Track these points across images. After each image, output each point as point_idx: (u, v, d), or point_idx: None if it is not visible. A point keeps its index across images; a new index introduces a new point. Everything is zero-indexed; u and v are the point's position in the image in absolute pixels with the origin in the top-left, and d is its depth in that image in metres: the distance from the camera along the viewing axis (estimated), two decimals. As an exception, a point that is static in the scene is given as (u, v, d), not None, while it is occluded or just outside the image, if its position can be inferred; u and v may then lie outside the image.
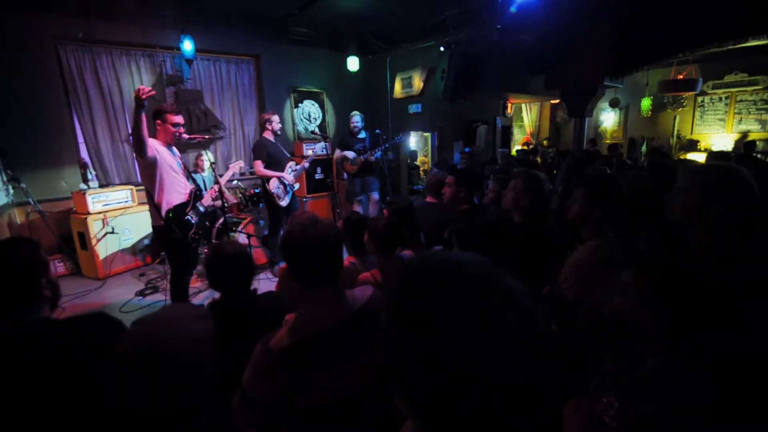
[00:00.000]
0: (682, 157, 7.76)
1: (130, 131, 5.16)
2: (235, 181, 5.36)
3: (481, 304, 0.46)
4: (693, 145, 8.26)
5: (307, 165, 4.75)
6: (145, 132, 2.67)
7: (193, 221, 3.14)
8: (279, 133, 4.50)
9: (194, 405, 0.79)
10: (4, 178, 4.31)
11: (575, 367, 1.40)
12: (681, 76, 7.54)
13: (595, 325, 1.43)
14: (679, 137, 8.63)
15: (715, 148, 7.91)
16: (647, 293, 0.99)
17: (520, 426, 0.48)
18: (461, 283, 0.48)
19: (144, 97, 2.48)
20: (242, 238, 4.19)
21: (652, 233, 1.94)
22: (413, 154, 7.74)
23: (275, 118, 4.44)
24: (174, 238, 2.99)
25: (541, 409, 0.49)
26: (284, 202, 4.46)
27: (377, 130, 5.32)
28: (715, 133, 8.24)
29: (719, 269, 1.15)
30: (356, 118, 5.35)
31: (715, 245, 1.33)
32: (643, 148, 8.52)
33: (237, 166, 4.35)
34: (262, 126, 4.46)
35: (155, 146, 2.86)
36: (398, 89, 6.91)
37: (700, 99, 8.30)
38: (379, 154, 5.21)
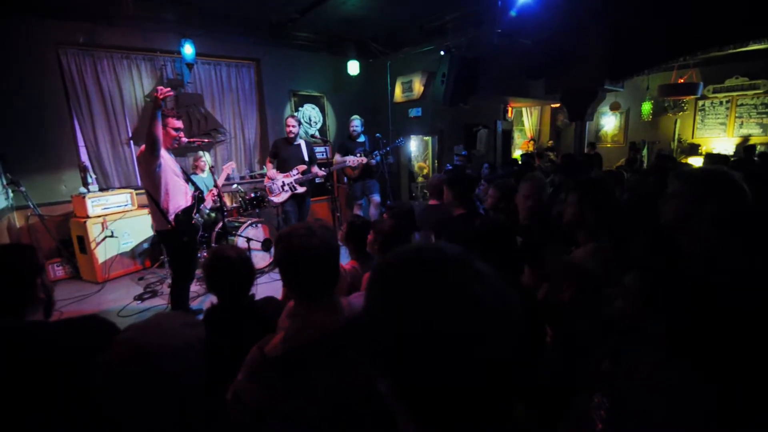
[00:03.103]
0: (683, 161, 7.74)
1: (130, 134, 5.18)
2: (235, 185, 5.35)
3: (451, 283, 0.49)
4: (694, 149, 8.25)
5: (319, 172, 4.87)
6: (160, 131, 2.72)
7: (199, 224, 3.13)
8: (291, 135, 4.77)
9: (183, 412, 0.78)
10: (4, 182, 4.31)
11: (571, 368, 1.39)
12: (681, 80, 7.52)
13: (596, 327, 1.41)
14: (680, 141, 8.62)
15: (717, 152, 7.90)
16: (648, 297, 1.00)
17: (502, 405, 0.50)
18: (431, 267, 0.51)
19: (161, 97, 2.58)
20: (242, 242, 4.17)
21: (649, 238, 1.93)
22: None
23: (288, 121, 4.78)
24: (183, 242, 2.98)
25: (517, 386, 0.51)
26: (277, 199, 4.76)
27: (377, 134, 5.33)
28: (716, 137, 8.22)
29: (720, 275, 1.15)
30: (356, 122, 5.36)
31: (708, 249, 1.33)
32: (644, 152, 8.51)
33: (229, 167, 4.46)
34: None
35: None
36: (399, 93, 6.91)
37: (700, 103, 8.29)
38: (378, 158, 5.22)
